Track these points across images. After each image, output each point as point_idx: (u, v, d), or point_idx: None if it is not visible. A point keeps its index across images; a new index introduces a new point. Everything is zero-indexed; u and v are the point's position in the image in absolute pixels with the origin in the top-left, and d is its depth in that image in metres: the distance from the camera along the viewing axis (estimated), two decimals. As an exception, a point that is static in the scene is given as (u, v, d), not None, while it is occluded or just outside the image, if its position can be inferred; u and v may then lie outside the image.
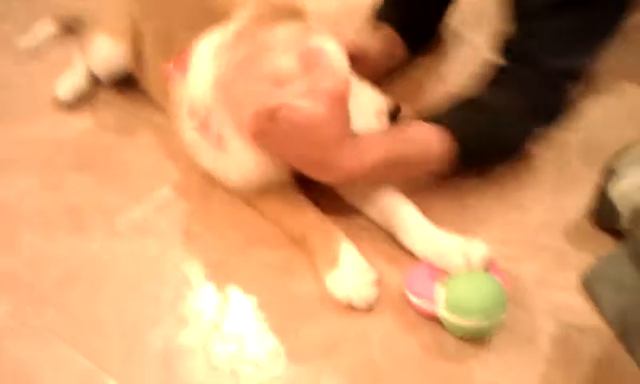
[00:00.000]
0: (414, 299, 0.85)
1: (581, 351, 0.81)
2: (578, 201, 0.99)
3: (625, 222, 0.90)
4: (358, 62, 0.96)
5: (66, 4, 1.42)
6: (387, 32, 1.23)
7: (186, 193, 1.06)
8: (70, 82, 1.24)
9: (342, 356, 0.82)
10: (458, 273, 0.84)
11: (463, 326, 0.80)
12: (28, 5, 1.48)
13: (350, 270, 0.87)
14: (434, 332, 0.84)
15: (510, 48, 0.98)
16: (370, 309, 0.86)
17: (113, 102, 1.25)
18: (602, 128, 1.13)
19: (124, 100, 1.24)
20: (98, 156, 1.14)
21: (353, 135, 0.90)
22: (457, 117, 0.95)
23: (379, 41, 1.20)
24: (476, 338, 0.82)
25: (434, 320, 0.83)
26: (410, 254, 0.92)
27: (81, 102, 1.24)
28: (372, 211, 0.97)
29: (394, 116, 0.93)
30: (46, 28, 1.38)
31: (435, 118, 0.94)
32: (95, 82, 1.26)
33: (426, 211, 0.93)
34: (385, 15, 1.27)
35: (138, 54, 1.17)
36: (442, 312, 0.81)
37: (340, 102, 0.86)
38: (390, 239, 0.95)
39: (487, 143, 0.96)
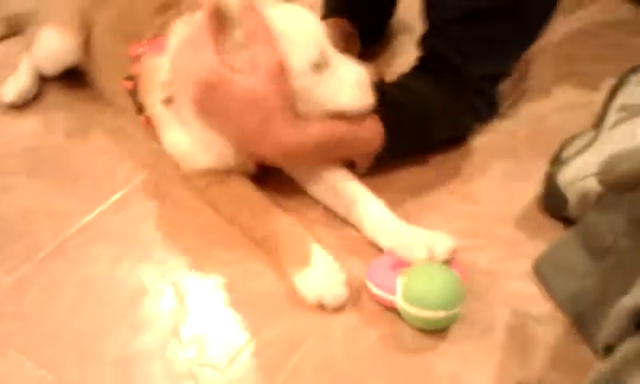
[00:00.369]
0: (375, 290, 0.86)
1: (536, 338, 0.83)
2: (528, 189, 1.01)
3: (573, 208, 0.92)
4: None
5: (8, 3, 1.39)
6: (341, 24, 1.23)
7: (140, 196, 1.04)
8: (15, 84, 1.22)
9: (304, 355, 0.82)
10: (419, 265, 0.85)
11: (422, 317, 0.81)
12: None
13: (322, 270, 0.87)
14: (393, 325, 0.84)
15: (429, 51, 1.01)
16: (339, 309, 0.86)
17: (62, 104, 1.23)
18: (549, 116, 1.15)
19: (74, 101, 1.23)
20: (48, 159, 1.12)
21: (294, 114, 0.90)
22: (389, 103, 0.96)
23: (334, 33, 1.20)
24: (434, 330, 0.83)
25: (394, 311, 0.84)
26: (372, 247, 0.92)
27: (28, 103, 1.22)
28: (336, 203, 0.98)
29: (378, 87, 0.93)
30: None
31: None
32: (43, 83, 1.23)
33: (378, 205, 0.94)
34: (335, 7, 1.27)
35: (88, 44, 1.16)
36: (401, 303, 0.82)
37: (277, 77, 0.87)
38: (349, 231, 0.96)
39: (414, 133, 1.00)
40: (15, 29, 1.35)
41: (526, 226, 0.97)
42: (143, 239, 0.98)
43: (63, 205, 1.03)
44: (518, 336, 0.83)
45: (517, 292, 0.88)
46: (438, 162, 1.06)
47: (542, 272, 0.89)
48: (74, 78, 1.23)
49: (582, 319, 0.83)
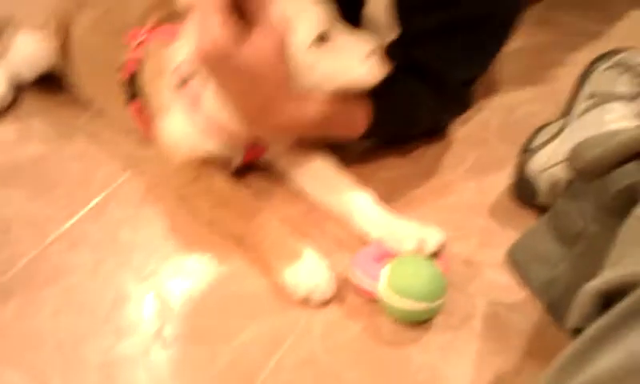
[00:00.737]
0: (359, 278, 0.87)
1: (512, 326, 0.84)
2: (500, 179, 1.02)
3: (543, 196, 0.94)
4: None
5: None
6: None
7: (119, 201, 1.05)
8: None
9: (285, 353, 0.83)
10: (403, 257, 0.86)
11: (405, 308, 0.82)
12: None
13: (311, 265, 0.88)
14: (373, 318, 0.86)
15: (408, 59, 1.01)
16: (322, 304, 0.87)
17: (38, 110, 1.23)
18: (519, 107, 1.17)
19: (50, 107, 1.23)
20: (25, 167, 1.12)
21: (296, 90, 0.90)
22: (381, 89, 0.96)
23: None
24: (414, 322, 0.84)
25: (374, 304, 0.85)
26: (354, 241, 0.94)
27: (4, 111, 1.22)
28: (325, 197, 1.00)
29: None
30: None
31: None
32: (18, 89, 1.23)
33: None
34: None
35: (65, 48, 1.16)
36: (385, 292, 0.84)
37: (279, 55, 0.85)
38: (331, 227, 0.97)
39: (398, 123, 1.02)
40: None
41: (499, 215, 0.98)
42: (123, 244, 0.98)
43: (42, 212, 1.03)
44: (496, 325, 0.85)
45: (493, 281, 0.90)
46: (414, 155, 1.08)
47: (516, 261, 0.91)
48: (49, 84, 1.23)
49: (555, 305, 0.85)
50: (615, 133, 0.79)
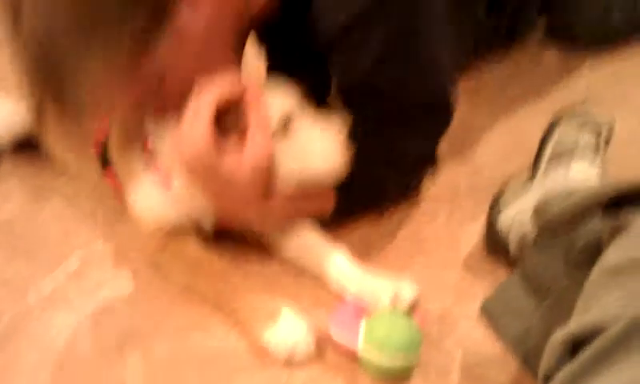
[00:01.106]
0: (338, 335, 0.88)
1: (489, 379, 0.86)
2: (472, 234, 1.06)
3: (514, 250, 0.97)
4: None
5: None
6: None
7: (97, 262, 1.06)
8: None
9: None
10: (380, 313, 0.88)
11: (381, 361, 0.84)
12: None
13: (290, 324, 0.89)
14: (354, 375, 0.87)
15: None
16: (304, 362, 0.88)
17: (16, 172, 1.24)
18: (487, 164, 1.21)
19: (29, 170, 1.24)
20: (2, 228, 1.13)
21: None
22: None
23: None
24: (392, 378, 0.85)
25: (355, 360, 0.87)
26: (332, 297, 0.96)
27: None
28: (301, 257, 1.01)
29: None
30: None
31: None
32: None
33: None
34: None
35: (40, 110, 1.17)
36: (362, 348, 0.85)
37: (262, 170, 0.88)
38: (307, 283, 0.99)
39: (365, 200, 1.07)
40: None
41: (473, 269, 1.01)
42: (103, 304, 0.99)
43: (20, 273, 1.03)
44: (473, 378, 0.86)
45: (469, 335, 0.92)
46: (388, 213, 1.11)
47: (490, 314, 0.93)
48: (26, 147, 1.25)
49: (530, 358, 0.86)
50: (577, 189, 0.83)
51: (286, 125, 0.91)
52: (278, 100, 0.92)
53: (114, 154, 1.05)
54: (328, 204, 1.01)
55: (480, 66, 1.48)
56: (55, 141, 1.17)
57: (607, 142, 1.09)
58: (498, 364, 0.88)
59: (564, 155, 1.03)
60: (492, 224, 1.00)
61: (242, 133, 0.88)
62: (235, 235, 1.05)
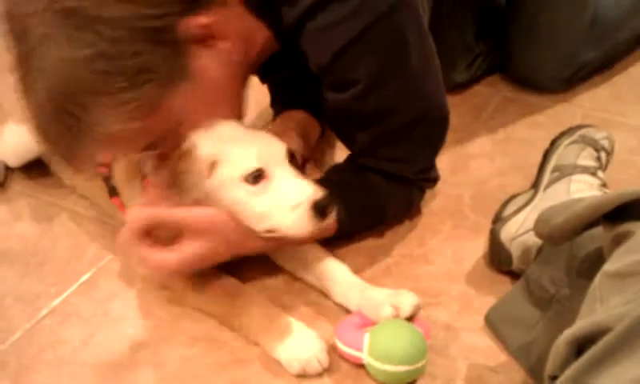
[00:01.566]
0: (343, 348, 0.90)
1: (494, 389, 0.88)
2: (476, 248, 1.08)
3: (517, 262, 0.99)
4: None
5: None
6: (296, 114, 1.26)
7: (108, 276, 1.08)
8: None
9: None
10: (384, 322, 0.90)
11: (386, 371, 0.86)
12: None
13: (303, 340, 0.91)
14: (360, 382, 0.88)
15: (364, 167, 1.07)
16: (321, 375, 0.90)
17: (27, 192, 1.26)
18: (490, 180, 1.23)
19: (39, 189, 1.27)
20: (15, 245, 1.15)
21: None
22: (342, 190, 1.02)
23: (295, 126, 1.22)
24: (399, 385, 0.87)
25: (362, 367, 0.89)
26: (338, 310, 0.98)
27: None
28: (305, 272, 1.03)
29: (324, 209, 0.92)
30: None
31: (327, 182, 1.01)
32: (7, 173, 1.27)
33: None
34: (287, 100, 1.30)
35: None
36: (367, 359, 0.87)
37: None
38: (313, 297, 1.01)
39: (367, 217, 1.08)
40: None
41: (476, 281, 1.03)
42: (113, 318, 1.01)
43: (33, 288, 1.05)
44: (478, 387, 0.88)
45: (473, 345, 0.93)
46: (391, 227, 1.13)
47: (494, 325, 0.94)
48: (37, 167, 1.27)
49: (534, 368, 0.88)
50: (579, 200, 0.84)
51: (256, 178, 0.91)
52: (253, 150, 0.92)
53: (118, 185, 1.07)
54: (328, 228, 1.02)
55: (480, 86, 1.51)
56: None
57: (609, 155, 1.12)
58: (504, 373, 0.89)
59: (565, 170, 1.06)
60: (495, 237, 1.02)
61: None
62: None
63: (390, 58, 0.95)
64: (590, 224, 0.79)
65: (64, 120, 0.86)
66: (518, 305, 0.93)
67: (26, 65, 0.85)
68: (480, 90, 1.50)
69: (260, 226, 0.93)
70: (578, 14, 1.40)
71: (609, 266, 0.69)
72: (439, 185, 1.14)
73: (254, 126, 1.02)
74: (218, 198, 0.92)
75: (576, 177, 1.03)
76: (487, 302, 0.97)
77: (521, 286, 0.94)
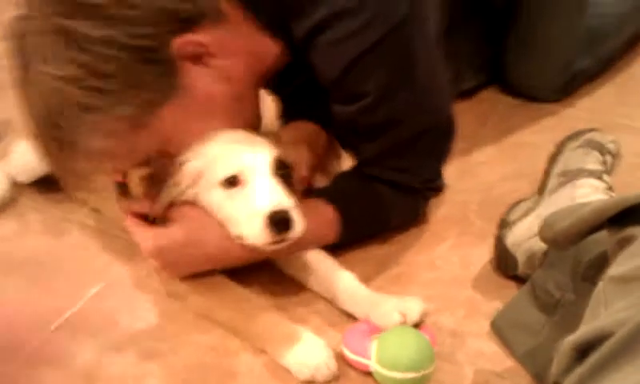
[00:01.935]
0: (351, 356, 0.91)
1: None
2: (482, 254, 1.08)
3: (522, 267, 1.00)
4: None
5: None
6: (302, 124, 1.25)
7: (118, 288, 1.09)
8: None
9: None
10: (391, 329, 0.90)
11: (394, 378, 0.86)
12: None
13: (312, 347, 0.91)
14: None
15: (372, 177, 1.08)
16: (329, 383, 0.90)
17: (38, 207, 1.28)
18: (496, 186, 1.24)
19: (49, 204, 1.28)
20: (27, 259, 1.16)
21: None
22: (346, 196, 1.04)
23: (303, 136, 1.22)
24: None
25: (369, 375, 0.89)
26: (345, 318, 0.98)
27: (4, 207, 1.26)
28: (312, 280, 1.04)
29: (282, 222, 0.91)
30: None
31: (328, 194, 1.05)
32: (19, 188, 1.29)
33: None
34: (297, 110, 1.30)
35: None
36: (375, 366, 0.88)
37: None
38: (321, 306, 1.01)
39: (370, 224, 1.09)
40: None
41: (483, 287, 1.03)
42: (124, 329, 1.01)
43: (43, 302, 1.06)
44: (484, 393, 0.88)
45: (480, 350, 0.94)
46: (399, 235, 1.14)
47: (500, 330, 0.95)
48: (48, 182, 1.28)
49: (540, 373, 0.88)
50: (584, 204, 0.84)
51: (231, 183, 0.93)
52: (231, 156, 0.93)
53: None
54: (328, 232, 1.03)
55: (486, 92, 1.52)
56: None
57: (614, 159, 1.12)
58: (511, 378, 0.89)
59: (571, 175, 1.06)
60: (501, 242, 1.03)
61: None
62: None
63: (398, 71, 0.96)
64: (595, 228, 0.79)
65: (56, 137, 0.89)
66: (524, 310, 0.94)
67: (21, 81, 0.89)
68: (486, 96, 1.51)
69: (231, 232, 0.94)
70: (573, 24, 1.41)
71: (613, 271, 0.69)
72: (445, 192, 1.15)
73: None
74: (201, 203, 0.95)
75: (581, 181, 1.03)
76: (494, 307, 0.98)
77: (527, 291, 0.95)
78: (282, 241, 0.91)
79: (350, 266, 1.03)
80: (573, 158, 1.10)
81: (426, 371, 0.87)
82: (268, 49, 1.00)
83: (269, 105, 1.26)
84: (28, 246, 1.19)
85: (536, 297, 0.92)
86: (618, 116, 1.39)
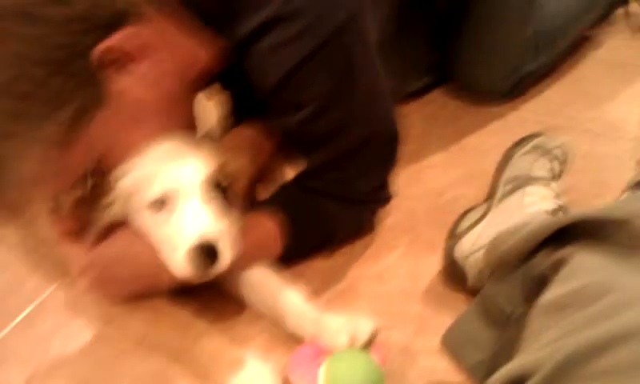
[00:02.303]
0: (297, 381, 0.87)
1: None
2: (432, 264, 1.05)
3: (472, 280, 0.97)
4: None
5: None
6: (248, 129, 1.20)
7: (49, 311, 1.02)
8: None
9: None
10: (338, 353, 0.87)
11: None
12: None
13: (256, 374, 0.88)
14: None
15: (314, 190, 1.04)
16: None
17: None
18: (445, 192, 1.21)
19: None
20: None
21: None
22: (289, 208, 1.00)
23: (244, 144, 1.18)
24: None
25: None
26: (292, 339, 0.93)
27: None
28: (255, 299, 0.99)
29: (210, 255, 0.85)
30: None
31: (270, 207, 1.00)
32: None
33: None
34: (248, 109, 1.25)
35: None
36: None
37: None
38: (266, 326, 0.97)
39: (315, 238, 1.05)
40: None
41: (433, 300, 1.01)
42: (56, 356, 0.96)
43: (-33, 329, 1.00)
44: (437, 411, 0.85)
45: (432, 368, 0.91)
46: (346, 245, 1.10)
47: (451, 345, 0.92)
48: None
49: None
50: (525, 224, 0.83)
51: (160, 205, 0.87)
52: (162, 179, 0.87)
53: None
54: (272, 246, 1.00)
55: (433, 93, 1.50)
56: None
57: (563, 164, 1.10)
58: (463, 395, 0.87)
59: (519, 182, 1.04)
60: (450, 254, 1.00)
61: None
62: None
63: (339, 80, 0.92)
64: (535, 248, 0.78)
65: None
66: (474, 324, 0.91)
67: None
68: (434, 97, 1.49)
69: (161, 255, 0.89)
70: (520, 29, 1.40)
71: (543, 297, 0.69)
72: (393, 199, 1.11)
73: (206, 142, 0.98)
74: (133, 224, 0.91)
75: (529, 189, 1.02)
76: (444, 322, 0.94)
77: (478, 305, 0.92)
78: (208, 274, 0.86)
79: (293, 282, 0.98)
80: (520, 165, 1.08)
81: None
82: (199, 51, 0.94)
83: (210, 109, 1.21)
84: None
85: (487, 311, 0.90)
86: (565, 117, 1.38)
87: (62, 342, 0.97)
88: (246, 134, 1.19)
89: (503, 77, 1.42)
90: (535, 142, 1.10)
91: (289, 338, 0.94)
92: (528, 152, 1.08)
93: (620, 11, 1.69)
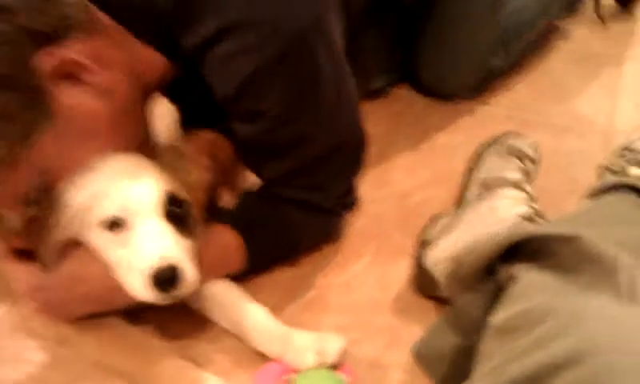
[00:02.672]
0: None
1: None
2: (401, 271, 1.02)
3: (443, 288, 0.93)
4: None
5: None
6: (206, 136, 1.14)
7: (2, 332, 0.97)
8: None
9: None
10: (306, 372, 0.83)
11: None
12: None
13: None
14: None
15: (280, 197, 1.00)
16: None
17: None
18: (413, 194, 1.17)
19: None
20: None
21: None
22: (250, 220, 0.97)
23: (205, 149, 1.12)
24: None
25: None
26: (258, 356, 0.89)
27: None
28: (218, 314, 0.94)
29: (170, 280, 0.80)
30: None
31: (232, 218, 0.96)
32: None
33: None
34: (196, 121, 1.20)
35: None
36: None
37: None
38: (230, 343, 0.92)
39: (278, 248, 1.01)
40: None
41: (402, 310, 0.97)
42: (5, 381, 0.90)
43: None
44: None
45: (402, 380, 0.88)
46: (312, 255, 1.05)
47: (422, 358, 0.88)
48: None
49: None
50: (490, 237, 0.80)
51: (115, 226, 0.82)
52: (116, 198, 0.82)
53: None
54: (234, 259, 0.95)
55: (400, 90, 1.45)
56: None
57: (535, 163, 1.07)
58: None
59: (490, 186, 1.01)
60: (420, 262, 0.96)
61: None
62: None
63: (301, 88, 0.88)
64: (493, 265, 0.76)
65: None
66: (445, 336, 0.87)
67: None
68: (401, 94, 1.45)
69: (117, 276, 0.83)
70: (486, 25, 1.37)
71: (494, 317, 0.68)
72: (361, 203, 1.07)
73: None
74: (85, 243, 0.85)
75: (502, 192, 0.98)
76: (415, 332, 0.91)
77: (448, 316, 0.88)
78: (170, 298, 0.81)
79: (256, 294, 0.94)
80: (491, 167, 1.05)
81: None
82: (152, 58, 0.90)
83: (164, 114, 1.15)
84: None
85: (457, 322, 0.86)
86: (534, 113, 1.35)
87: (10, 367, 0.92)
88: (206, 137, 1.14)
89: (469, 73, 1.39)
90: (506, 141, 1.07)
91: (253, 356, 0.90)
92: (498, 153, 1.05)
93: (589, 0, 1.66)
